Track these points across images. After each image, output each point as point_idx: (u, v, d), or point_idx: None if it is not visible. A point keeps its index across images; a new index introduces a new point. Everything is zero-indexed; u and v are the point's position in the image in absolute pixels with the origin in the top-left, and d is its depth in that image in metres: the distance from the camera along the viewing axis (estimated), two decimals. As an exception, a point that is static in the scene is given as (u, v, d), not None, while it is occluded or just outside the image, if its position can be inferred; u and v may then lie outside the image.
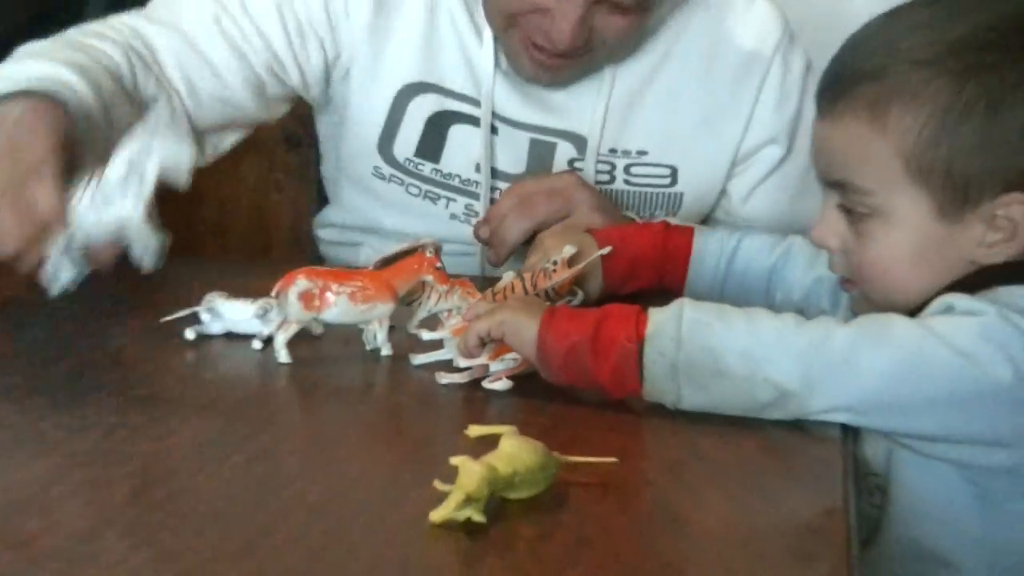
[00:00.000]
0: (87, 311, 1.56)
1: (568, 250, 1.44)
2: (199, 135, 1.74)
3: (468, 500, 0.95)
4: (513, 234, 1.61)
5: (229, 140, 1.83)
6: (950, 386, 1.14)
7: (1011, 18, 1.24)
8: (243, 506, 1.02)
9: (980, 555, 1.26)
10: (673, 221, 1.63)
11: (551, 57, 1.68)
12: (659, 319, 1.18)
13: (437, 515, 0.95)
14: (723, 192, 1.89)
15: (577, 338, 1.18)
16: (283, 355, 1.34)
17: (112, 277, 1.46)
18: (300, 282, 1.34)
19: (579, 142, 1.80)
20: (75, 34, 1.61)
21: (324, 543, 0.94)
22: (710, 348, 1.16)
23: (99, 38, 1.60)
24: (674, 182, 1.83)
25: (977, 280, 1.25)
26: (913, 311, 1.24)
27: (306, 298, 1.34)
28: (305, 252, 1.99)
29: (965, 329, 1.15)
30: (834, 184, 1.31)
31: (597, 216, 1.64)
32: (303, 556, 0.92)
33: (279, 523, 0.98)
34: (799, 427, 1.17)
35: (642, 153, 1.82)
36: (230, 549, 0.93)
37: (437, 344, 1.33)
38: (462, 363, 1.27)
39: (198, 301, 1.43)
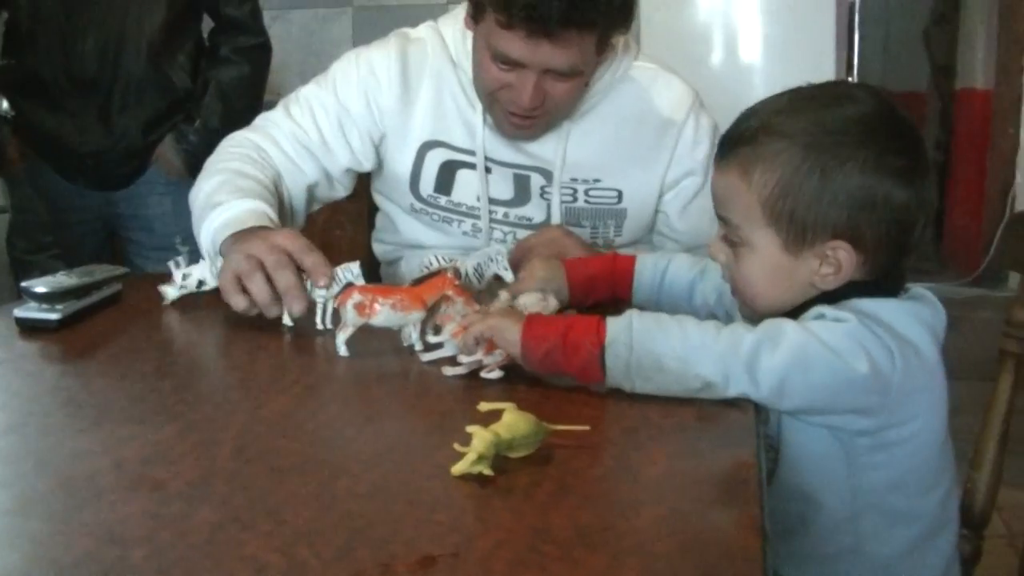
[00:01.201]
0: (200, 318, 1.56)
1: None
2: (294, 210, 1.87)
3: (480, 458, 0.95)
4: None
5: (313, 208, 1.95)
6: (826, 375, 1.14)
7: (849, 116, 1.25)
8: (314, 461, 1.02)
9: (846, 493, 1.27)
10: (624, 252, 1.65)
11: (522, 119, 1.74)
12: (614, 330, 1.18)
13: (457, 469, 0.95)
14: (660, 212, 1.91)
15: (551, 342, 1.18)
16: (343, 350, 1.34)
17: (217, 297, 1.47)
18: (355, 296, 1.34)
19: (547, 174, 1.85)
20: (238, 165, 1.77)
21: (373, 489, 0.94)
22: (654, 352, 1.16)
23: (252, 165, 1.78)
24: (620, 201, 1.86)
25: (839, 294, 1.25)
26: (795, 314, 1.24)
27: (359, 308, 1.33)
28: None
29: (835, 332, 1.16)
30: (719, 218, 1.32)
31: (580, 249, 1.68)
32: (359, 498, 0.92)
33: (341, 474, 0.98)
34: (723, 403, 1.16)
35: (597, 180, 1.85)
36: (305, 493, 0.93)
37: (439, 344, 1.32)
38: (463, 359, 1.26)
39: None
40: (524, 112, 1.71)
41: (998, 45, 5.70)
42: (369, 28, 1.93)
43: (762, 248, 1.27)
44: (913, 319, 1.23)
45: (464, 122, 1.84)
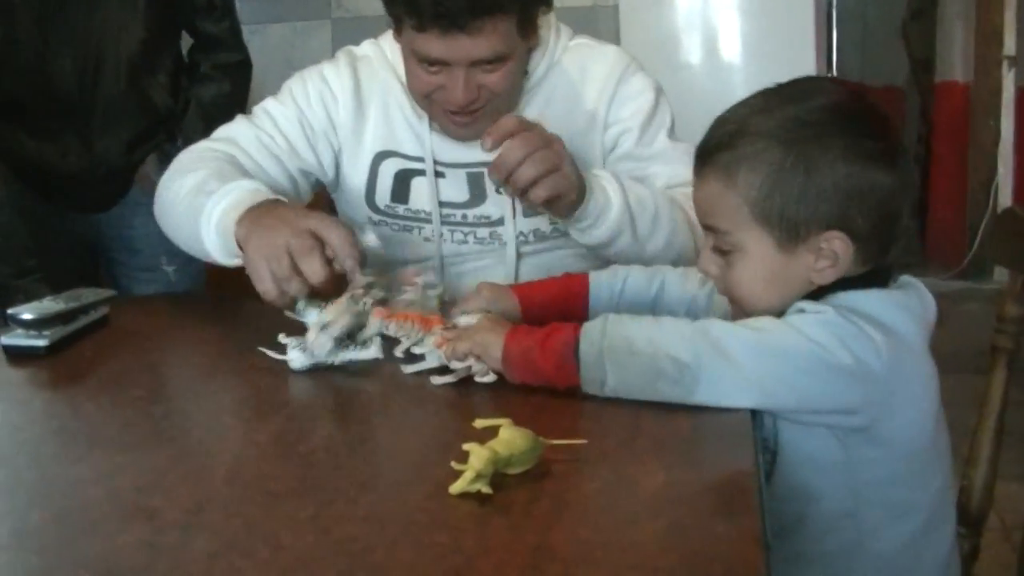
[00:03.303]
0: (189, 340, 1.55)
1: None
2: None
3: (478, 476, 0.95)
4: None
5: None
6: (804, 362, 1.14)
7: (822, 107, 1.25)
8: (309, 485, 1.02)
9: (845, 489, 1.26)
10: None
11: (463, 116, 1.73)
12: (590, 323, 1.21)
13: (455, 488, 0.95)
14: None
15: (530, 343, 1.21)
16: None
17: (204, 318, 1.46)
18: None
19: None
20: (214, 165, 1.75)
21: (370, 511, 0.94)
22: (626, 336, 1.17)
23: (227, 164, 1.76)
24: None
25: (824, 290, 1.25)
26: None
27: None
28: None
29: (811, 322, 1.16)
30: (706, 227, 1.32)
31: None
32: (357, 521, 0.92)
33: (337, 496, 0.98)
34: (718, 410, 1.15)
35: None
36: (302, 517, 0.93)
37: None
38: (455, 365, 1.26)
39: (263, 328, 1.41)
40: (462, 109, 1.71)
41: (976, 38, 5.71)
42: (348, 39, 1.91)
43: (755, 250, 1.26)
44: (899, 308, 1.23)
45: (412, 131, 1.84)
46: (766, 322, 1.19)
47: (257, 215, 1.52)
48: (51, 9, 2.41)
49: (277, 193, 1.76)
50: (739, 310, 1.33)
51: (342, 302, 1.37)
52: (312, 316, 1.40)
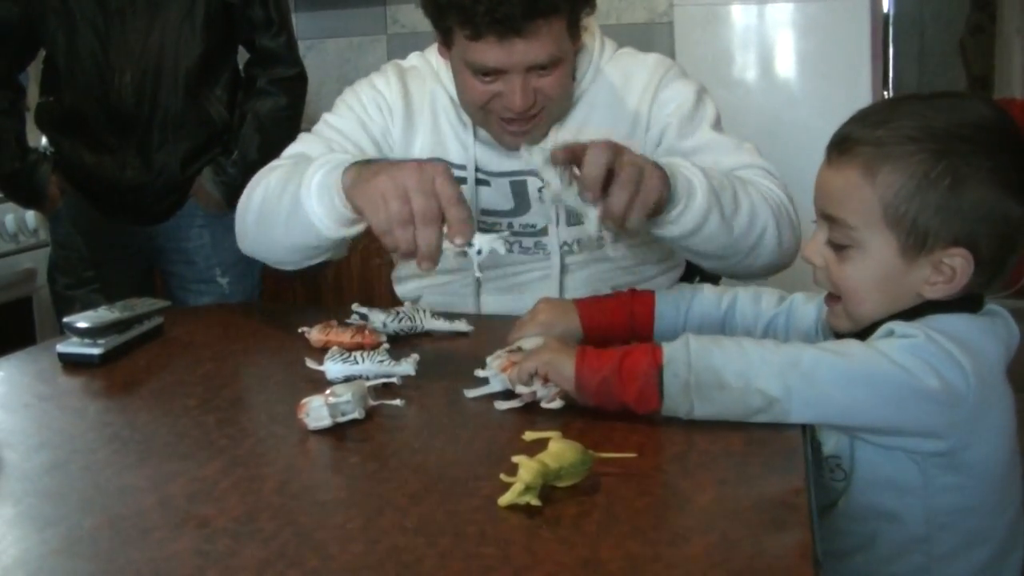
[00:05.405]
0: (243, 349, 1.56)
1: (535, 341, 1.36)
2: None
3: (527, 488, 0.94)
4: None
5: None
6: (892, 390, 1.13)
7: (977, 121, 1.23)
8: (360, 495, 1.02)
9: (920, 511, 1.25)
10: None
11: (520, 123, 1.72)
12: (671, 350, 1.17)
13: (504, 500, 0.95)
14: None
15: (606, 372, 1.18)
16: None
17: (257, 329, 1.47)
18: None
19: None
20: (286, 170, 1.68)
21: (420, 523, 0.94)
22: (713, 369, 1.15)
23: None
24: None
25: (914, 311, 1.24)
26: (863, 336, 1.23)
27: None
28: (397, 301, 1.98)
29: (900, 347, 1.15)
30: (827, 217, 1.29)
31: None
32: (406, 532, 0.92)
33: (386, 507, 0.98)
34: (771, 427, 1.14)
35: None
36: (352, 528, 0.93)
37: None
38: (521, 390, 1.24)
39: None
40: (520, 115, 1.70)
41: (1035, 54, 5.65)
42: (404, 55, 1.92)
43: (875, 251, 1.25)
44: (986, 334, 1.22)
45: (459, 140, 1.85)
46: (853, 347, 1.17)
47: (363, 167, 1.46)
48: (112, 24, 2.44)
49: None
50: (837, 312, 1.31)
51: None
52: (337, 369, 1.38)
